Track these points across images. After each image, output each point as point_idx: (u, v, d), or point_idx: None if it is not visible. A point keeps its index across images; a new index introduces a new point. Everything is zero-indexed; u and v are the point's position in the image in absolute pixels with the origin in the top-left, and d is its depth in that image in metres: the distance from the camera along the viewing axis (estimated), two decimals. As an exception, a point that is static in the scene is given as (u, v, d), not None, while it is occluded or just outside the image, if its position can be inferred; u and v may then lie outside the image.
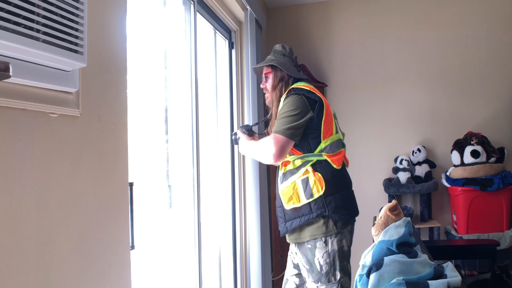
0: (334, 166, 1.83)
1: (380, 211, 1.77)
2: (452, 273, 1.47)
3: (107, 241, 1.19)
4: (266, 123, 2.15)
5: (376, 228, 1.70)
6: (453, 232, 3.17)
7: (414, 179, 3.32)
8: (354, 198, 1.94)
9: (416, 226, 3.14)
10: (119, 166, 1.27)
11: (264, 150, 1.83)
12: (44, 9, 0.86)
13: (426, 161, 3.35)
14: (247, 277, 2.98)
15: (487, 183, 2.96)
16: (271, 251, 3.18)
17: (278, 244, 3.29)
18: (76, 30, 0.96)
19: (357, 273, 1.61)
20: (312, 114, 1.82)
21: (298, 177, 1.82)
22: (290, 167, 1.87)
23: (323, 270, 1.80)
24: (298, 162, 1.84)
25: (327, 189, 1.78)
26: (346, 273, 1.83)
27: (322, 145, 1.83)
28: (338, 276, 1.80)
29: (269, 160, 1.83)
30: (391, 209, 1.70)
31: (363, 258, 1.64)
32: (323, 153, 1.83)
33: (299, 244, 1.87)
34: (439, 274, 1.45)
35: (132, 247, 1.35)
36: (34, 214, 0.92)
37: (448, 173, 3.22)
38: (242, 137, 2.02)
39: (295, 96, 1.84)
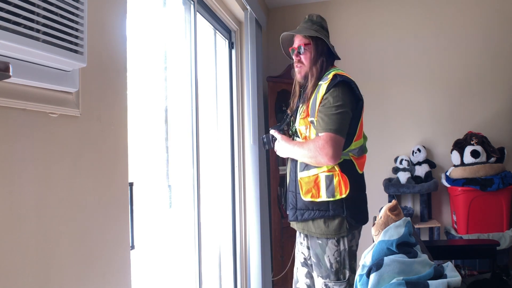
0: (358, 170, 1.79)
1: (380, 211, 1.77)
2: (452, 273, 1.47)
3: (107, 241, 1.19)
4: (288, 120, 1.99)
5: (376, 228, 1.70)
6: (453, 232, 3.17)
7: (414, 179, 3.32)
8: (367, 202, 1.93)
9: (416, 226, 3.14)
10: (119, 166, 1.27)
11: (317, 151, 1.67)
12: (44, 9, 0.86)
13: (426, 161, 3.35)
14: (247, 277, 2.98)
15: (487, 183, 2.96)
16: (271, 251, 3.18)
17: (278, 244, 3.29)
18: (76, 30, 0.96)
19: (357, 273, 1.61)
20: (353, 111, 1.72)
21: (322, 171, 1.73)
22: None
23: (333, 268, 1.77)
24: None
25: (350, 192, 1.71)
26: (353, 271, 1.81)
27: (352, 146, 1.76)
28: (347, 274, 1.78)
29: (323, 162, 1.68)
30: (391, 209, 1.70)
31: (363, 258, 1.64)
32: (350, 154, 1.76)
33: (309, 237, 1.82)
34: (439, 274, 1.45)
35: (132, 247, 1.35)
36: (34, 214, 0.92)
37: (448, 173, 3.22)
38: (279, 137, 1.87)
39: (344, 86, 1.69)
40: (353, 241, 1.80)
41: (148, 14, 1.90)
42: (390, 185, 3.29)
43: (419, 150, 3.36)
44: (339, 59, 1.88)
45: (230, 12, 2.86)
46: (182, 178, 2.18)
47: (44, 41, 0.86)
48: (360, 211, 1.81)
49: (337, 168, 1.71)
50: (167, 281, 1.96)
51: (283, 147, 1.85)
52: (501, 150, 3.12)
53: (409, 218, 1.67)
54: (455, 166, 3.18)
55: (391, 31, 3.56)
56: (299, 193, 1.78)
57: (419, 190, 3.20)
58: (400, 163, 3.37)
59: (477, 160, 3.03)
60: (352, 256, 1.81)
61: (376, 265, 1.46)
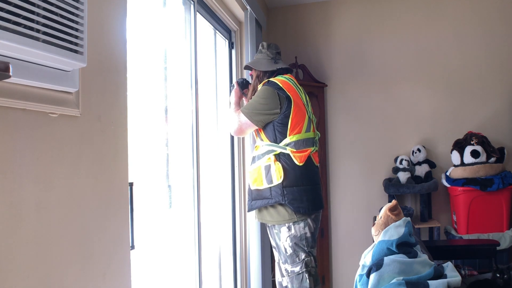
0: (296, 161, 1.97)
1: (380, 211, 1.77)
2: (452, 273, 1.47)
3: (107, 241, 1.19)
4: None
5: (376, 228, 1.70)
6: (453, 232, 3.17)
7: (414, 179, 3.32)
8: (317, 194, 2.07)
9: (416, 226, 3.14)
10: (119, 166, 1.27)
11: (230, 121, 2.14)
12: (44, 9, 0.86)
13: (426, 161, 3.35)
14: (247, 277, 2.98)
15: (487, 183, 2.96)
16: (271, 251, 3.18)
17: (278, 244, 3.29)
18: (76, 30, 0.96)
19: (357, 273, 1.61)
20: (279, 110, 2.00)
21: (263, 163, 2.03)
22: (258, 152, 2.08)
23: (288, 252, 1.99)
24: (264, 149, 2.04)
25: (286, 180, 1.95)
26: (311, 254, 2.00)
27: (288, 140, 2.00)
28: (302, 256, 1.97)
29: (231, 132, 2.16)
30: (391, 209, 1.70)
31: (363, 258, 1.64)
32: (287, 148, 1.99)
33: (268, 227, 2.10)
34: (439, 274, 1.45)
35: (132, 247, 1.35)
36: (34, 214, 0.92)
37: (448, 173, 3.22)
38: (235, 88, 2.25)
39: (268, 87, 2.05)
40: (306, 228, 2.00)
41: (148, 14, 1.90)
42: (390, 185, 3.29)
43: (419, 150, 3.36)
44: (285, 68, 2.21)
45: (230, 12, 2.86)
46: (182, 178, 2.18)
47: (44, 41, 0.86)
48: (301, 201, 1.97)
49: (273, 158, 1.99)
50: (167, 281, 1.96)
51: (230, 99, 2.27)
52: (501, 150, 3.12)
53: (409, 218, 1.67)
54: (455, 166, 3.18)
55: (391, 31, 3.56)
56: (250, 185, 2.08)
57: (419, 190, 3.20)
58: (400, 163, 3.37)
59: (477, 160, 3.03)
60: (307, 242, 1.99)
61: (376, 265, 1.46)
